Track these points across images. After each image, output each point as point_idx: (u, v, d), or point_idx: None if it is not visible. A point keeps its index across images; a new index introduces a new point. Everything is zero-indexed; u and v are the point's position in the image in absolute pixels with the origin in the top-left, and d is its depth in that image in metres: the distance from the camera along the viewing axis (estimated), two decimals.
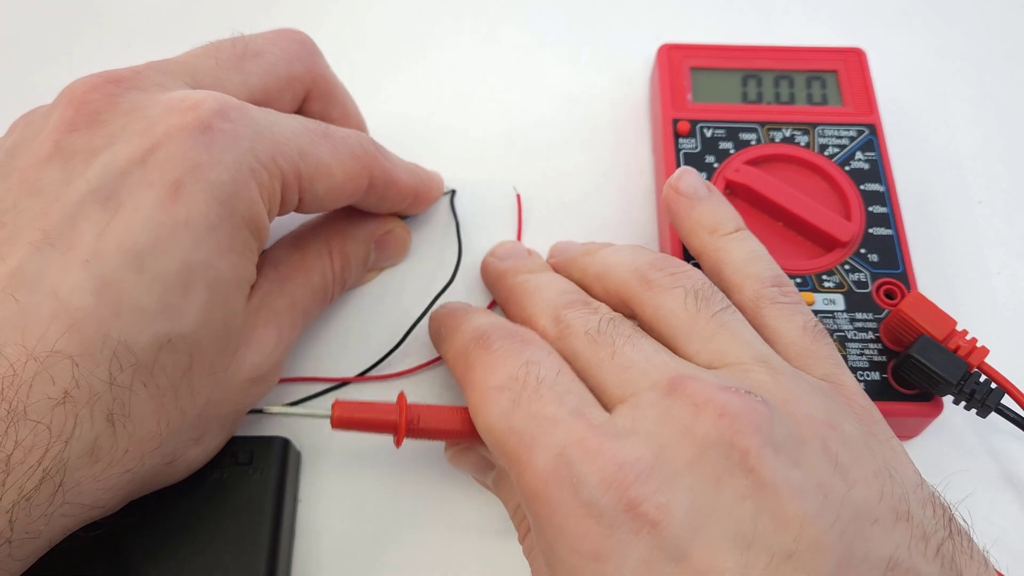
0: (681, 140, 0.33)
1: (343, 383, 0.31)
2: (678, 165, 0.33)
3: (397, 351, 0.31)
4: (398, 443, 0.25)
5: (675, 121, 0.34)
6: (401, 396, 0.25)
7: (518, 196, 0.35)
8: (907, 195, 0.34)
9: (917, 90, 0.39)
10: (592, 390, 0.23)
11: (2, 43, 0.40)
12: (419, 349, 0.31)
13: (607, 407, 0.23)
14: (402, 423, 0.24)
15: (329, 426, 0.25)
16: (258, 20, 0.40)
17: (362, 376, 0.31)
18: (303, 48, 0.29)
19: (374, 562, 0.27)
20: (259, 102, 0.26)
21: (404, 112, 0.37)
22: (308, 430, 0.29)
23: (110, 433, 0.21)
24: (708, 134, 0.34)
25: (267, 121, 0.25)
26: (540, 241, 0.33)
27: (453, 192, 0.35)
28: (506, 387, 0.23)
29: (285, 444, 0.27)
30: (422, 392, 0.30)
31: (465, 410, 0.25)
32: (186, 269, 0.22)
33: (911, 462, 0.22)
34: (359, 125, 0.32)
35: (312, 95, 0.30)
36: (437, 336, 0.29)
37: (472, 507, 0.28)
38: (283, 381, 0.30)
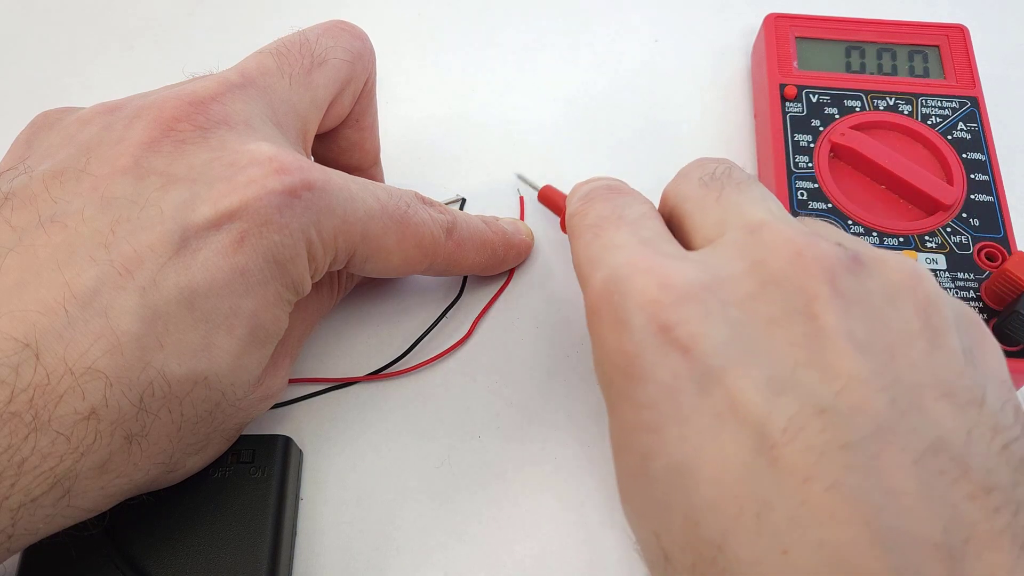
0: (788, 104, 0.35)
1: (351, 382, 0.31)
2: (785, 128, 0.34)
3: (402, 357, 0.31)
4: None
5: (782, 86, 0.35)
6: None
7: (521, 198, 0.36)
8: (1008, 164, 0.34)
9: (1019, 67, 0.40)
10: (691, 233, 0.24)
11: (3, 43, 0.41)
12: (426, 354, 0.31)
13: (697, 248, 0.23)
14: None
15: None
16: (260, 23, 0.42)
17: (371, 376, 0.31)
18: (363, 45, 0.29)
19: (376, 561, 0.27)
20: (325, 112, 0.28)
21: (412, 116, 0.38)
22: (310, 429, 0.30)
23: (125, 450, 0.21)
24: (814, 99, 0.35)
25: (344, 196, 0.25)
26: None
27: (463, 201, 0.35)
28: (594, 224, 0.24)
29: (287, 443, 0.27)
30: (429, 389, 0.31)
31: None
32: (233, 314, 0.22)
33: (1003, 360, 0.21)
34: (376, 145, 0.32)
35: (360, 93, 0.30)
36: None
37: (474, 506, 0.28)
38: (291, 382, 0.30)
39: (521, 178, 0.36)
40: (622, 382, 0.20)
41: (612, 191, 0.26)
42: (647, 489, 0.20)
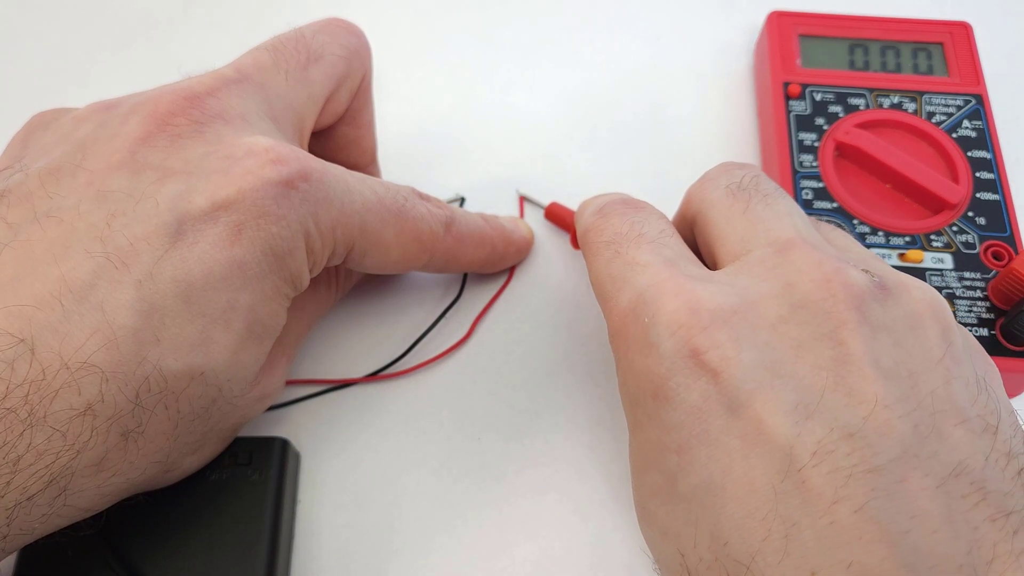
0: (792, 102, 0.34)
1: (349, 383, 0.31)
2: (789, 127, 0.34)
3: (401, 358, 0.31)
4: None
5: (786, 84, 0.35)
6: None
7: (521, 198, 0.35)
8: (1013, 162, 0.34)
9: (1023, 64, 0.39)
10: (715, 243, 0.24)
11: (2, 44, 0.41)
12: (425, 354, 0.31)
13: (720, 265, 0.23)
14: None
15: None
16: (257, 22, 0.41)
17: (370, 377, 0.31)
18: (360, 42, 0.29)
19: (374, 564, 0.27)
20: (321, 108, 0.28)
21: (411, 114, 0.38)
22: (308, 431, 0.29)
23: (121, 447, 0.21)
24: (818, 98, 0.35)
25: (341, 188, 0.24)
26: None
27: (463, 199, 0.35)
28: (612, 241, 0.24)
29: (284, 445, 0.27)
30: (428, 390, 0.30)
31: None
32: (230, 308, 0.22)
33: (1004, 390, 0.22)
34: (373, 143, 0.32)
35: (356, 89, 0.29)
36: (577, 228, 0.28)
37: (474, 508, 0.28)
38: (289, 383, 0.30)
39: (525, 197, 0.35)
40: (649, 403, 0.21)
41: (628, 206, 0.26)
42: (673, 508, 0.20)
